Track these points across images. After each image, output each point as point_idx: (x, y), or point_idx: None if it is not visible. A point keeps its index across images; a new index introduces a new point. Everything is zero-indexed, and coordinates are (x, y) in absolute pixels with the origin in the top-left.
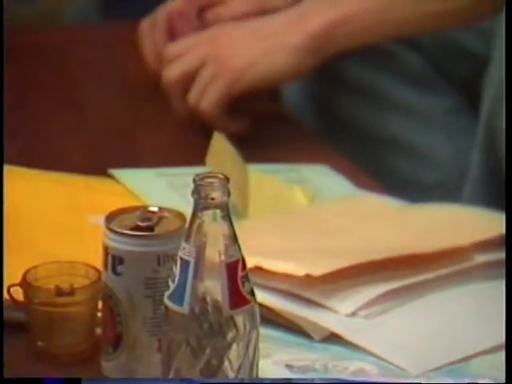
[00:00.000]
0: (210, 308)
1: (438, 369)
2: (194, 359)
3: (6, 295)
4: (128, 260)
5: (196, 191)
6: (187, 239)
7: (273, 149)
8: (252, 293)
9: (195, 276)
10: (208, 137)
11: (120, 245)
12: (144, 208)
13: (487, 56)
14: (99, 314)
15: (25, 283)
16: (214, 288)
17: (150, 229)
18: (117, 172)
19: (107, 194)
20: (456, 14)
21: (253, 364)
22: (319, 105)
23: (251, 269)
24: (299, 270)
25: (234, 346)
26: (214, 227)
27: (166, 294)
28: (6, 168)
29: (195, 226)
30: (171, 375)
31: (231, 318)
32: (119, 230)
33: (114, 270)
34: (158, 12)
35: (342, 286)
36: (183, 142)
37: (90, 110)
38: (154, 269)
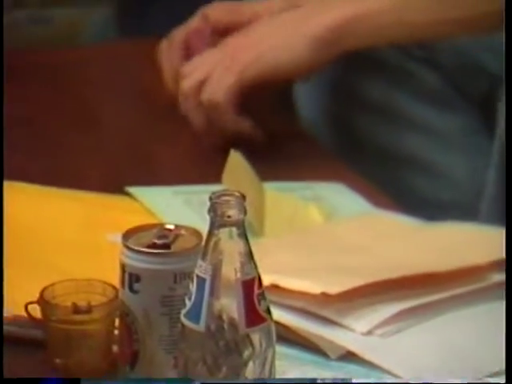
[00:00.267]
0: (226, 326)
1: None
2: (210, 377)
3: (23, 313)
4: (145, 278)
5: (212, 209)
6: (203, 257)
7: (289, 167)
8: (268, 311)
9: (211, 294)
10: (224, 155)
11: (137, 262)
12: (161, 226)
13: None
14: (116, 332)
15: (42, 301)
16: (231, 306)
17: (167, 246)
18: (133, 190)
19: (124, 212)
20: (472, 22)
21: None
22: (336, 123)
23: (267, 287)
24: (315, 288)
25: (251, 363)
26: (230, 245)
27: (183, 311)
28: (24, 186)
29: (211, 243)
30: None
31: (247, 335)
32: (136, 248)
33: (130, 288)
34: (175, 32)
35: (358, 305)
36: (200, 159)
37: (108, 128)
38: (171, 286)
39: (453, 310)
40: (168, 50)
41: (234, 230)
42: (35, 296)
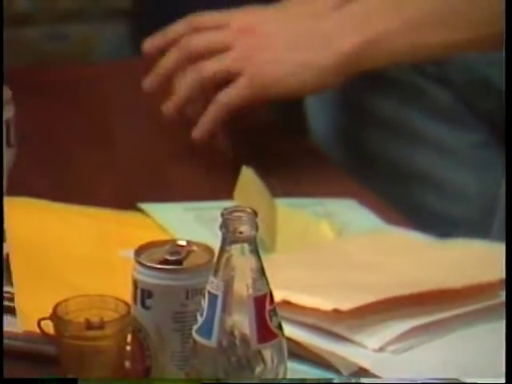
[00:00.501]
0: (238, 342)
1: None
2: None
3: (36, 329)
4: (157, 294)
5: (224, 225)
6: (215, 273)
7: (300, 183)
8: (280, 327)
9: (223, 310)
10: (236, 171)
11: (149, 278)
12: (173, 242)
13: None
14: (128, 348)
15: (55, 317)
16: (242, 322)
17: (179, 262)
18: (145, 206)
19: (136, 228)
20: (485, 41)
21: None
22: (348, 139)
23: (279, 303)
24: (327, 305)
25: None
26: (241, 261)
27: (195, 327)
28: (37, 202)
29: (223, 259)
30: None
31: (259, 351)
32: (148, 264)
33: (143, 304)
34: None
35: (370, 321)
36: (211, 176)
37: (120, 145)
38: (183, 302)
39: (465, 327)
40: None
41: (246, 246)
42: (48, 312)
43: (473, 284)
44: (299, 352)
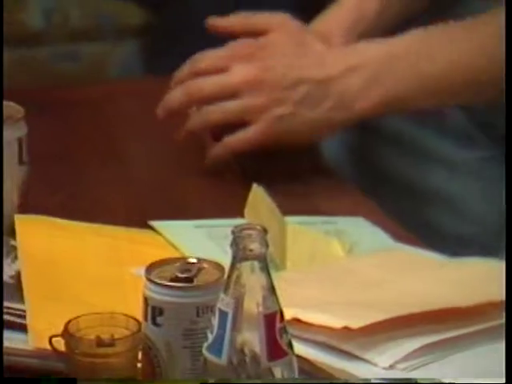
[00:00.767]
0: (248, 359)
1: None
2: None
3: (47, 346)
4: (167, 311)
5: (234, 242)
6: (226, 290)
7: (310, 201)
8: (290, 344)
9: (233, 327)
10: (246, 189)
11: (160, 296)
12: (183, 259)
13: None
14: (139, 365)
15: (66, 334)
16: (252, 339)
17: (190, 280)
18: (156, 224)
19: (148, 246)
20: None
21: None
22: (358, 157)
23: (289, 320)
24: (337, 322)
25: None
26: (252, 278)
27: (205, 345)
28: (49, 220)
29: (234, 277)
30: None
31: (269, 369)
32: (159, 281)
33: (153, 321)
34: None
35: (380, 339)
36: (222, 193)
37: (131, 163)
38: (193, 320)
39: (475, 346)
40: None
41: (256, 263)
42: (59, 329)
43: (483, 303)
44: (309, 370)
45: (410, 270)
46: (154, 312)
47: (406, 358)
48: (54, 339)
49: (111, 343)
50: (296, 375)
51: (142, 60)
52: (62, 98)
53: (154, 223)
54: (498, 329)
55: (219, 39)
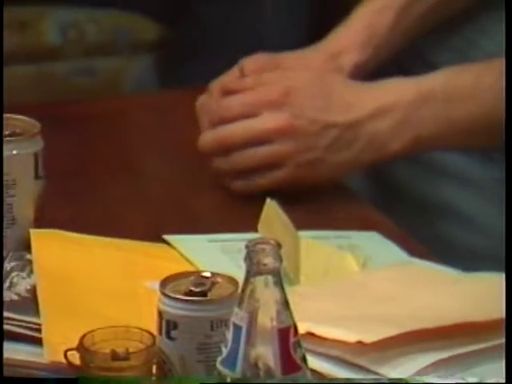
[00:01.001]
0: (262, 374)
1: None
2: None
3: (62, 359)
4: (182, 325)
5: (248, 257)
6: (240, 305)
7: (324, 215)
8: (304, 359)
9: (247, 341)
10: (260, 204)
11: (174, 310)
12: (197, 273)
13: None
14: (154, 379)
15: (81, 348)
16: (266, 354)
17: (204, 294)
18: (171, 238)
19: (162, 260)
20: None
21: None
22: (371, 172)
23: (303, 335)
24: (351, 337)
25: None
26: (266, 293)
27: (219, 359)
28: (64, 234)
29: (248, 291)
30: None
31: None
32: (173, 295)
33: (168, 335)
34: (212, 84)
35: (394, 354)
36: (236, 208)
37: (146, 177)
38: (207, 334)
39: (489, 361)
40: (206, 102)
41: (270, 278)
42: (74, 343)
43: (497, 318)
44: None
45: (423, 285)
46: (169, 326)
47: (419, 373)
48: (69, 353)
49: (126, 357)
50: None
51: (157, 75)
52: (77, 113)
53: (169, 237)
54: None
55: (233, 54)
